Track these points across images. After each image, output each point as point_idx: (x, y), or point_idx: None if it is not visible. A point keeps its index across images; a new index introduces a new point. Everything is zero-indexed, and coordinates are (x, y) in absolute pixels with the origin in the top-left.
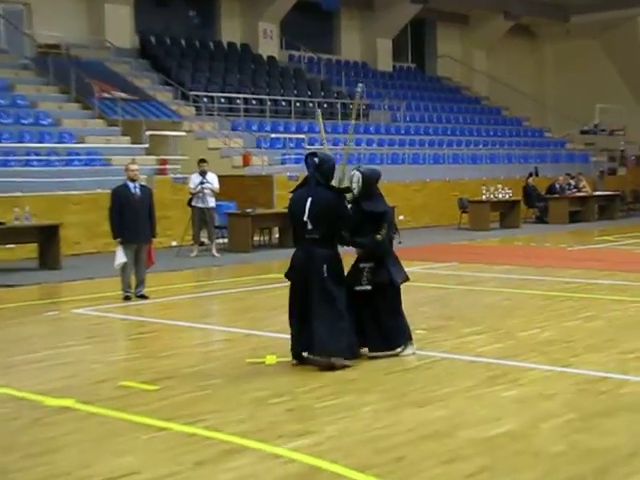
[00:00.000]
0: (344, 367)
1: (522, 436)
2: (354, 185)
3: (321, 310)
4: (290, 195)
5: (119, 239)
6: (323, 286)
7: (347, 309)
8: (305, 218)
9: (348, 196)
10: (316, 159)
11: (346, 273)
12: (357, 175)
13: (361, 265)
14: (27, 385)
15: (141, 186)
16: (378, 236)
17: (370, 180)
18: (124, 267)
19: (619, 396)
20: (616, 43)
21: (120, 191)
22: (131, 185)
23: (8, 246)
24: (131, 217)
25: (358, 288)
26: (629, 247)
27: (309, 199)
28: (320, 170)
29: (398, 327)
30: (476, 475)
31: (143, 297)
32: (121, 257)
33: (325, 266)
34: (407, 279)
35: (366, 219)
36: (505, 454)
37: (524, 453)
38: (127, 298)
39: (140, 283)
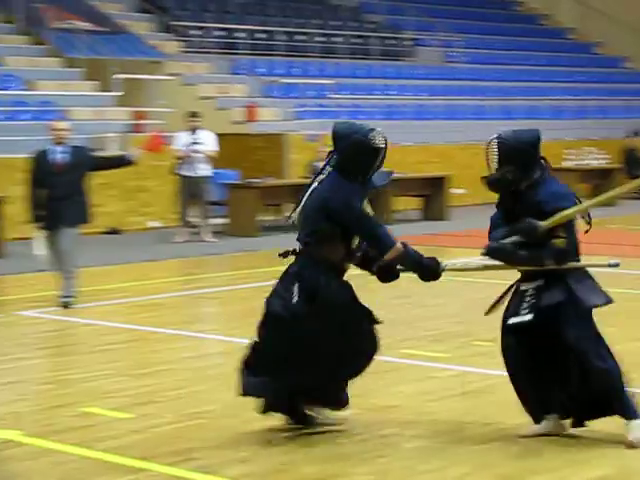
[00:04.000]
0: None
1: None
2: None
3: None
4: None
5: (36, 224)
6: None
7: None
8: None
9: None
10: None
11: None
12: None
13: (523, 287)
14: None
15: (74, 149)
16: (557, 241)
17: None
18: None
19: None
20: None
21: (40, 157)
22: (55, 149)
23: None
24: (49, 193)
25: (512, 321)
26: None
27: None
28: (338, 148)
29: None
30: None
31: (66, 306)
32: (39, 247)
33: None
34: (609, 301)
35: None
36: None
37: None
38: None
39: (66, 286)
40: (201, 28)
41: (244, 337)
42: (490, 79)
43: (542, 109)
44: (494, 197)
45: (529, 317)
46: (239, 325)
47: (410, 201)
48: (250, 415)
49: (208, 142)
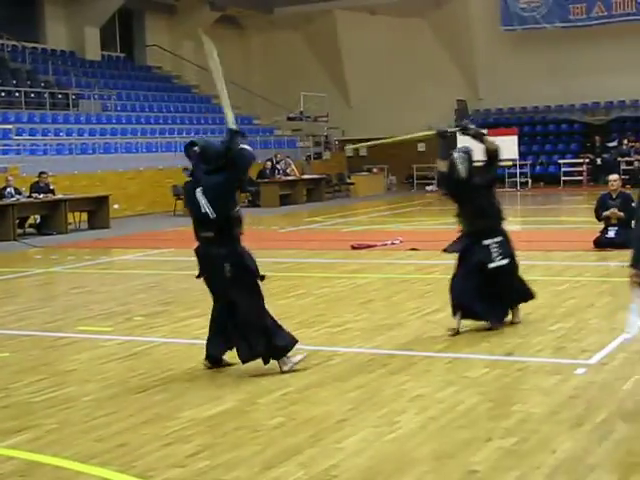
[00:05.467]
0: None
1: (242, 412)
2: (460, 166)
3: None
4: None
5: None
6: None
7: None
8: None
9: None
10: (196, 148)
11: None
12: (460, 156)
13: (485, 242)
14: None
15: None
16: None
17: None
18: None
19: (329, 367)
20: (316, 35)
21: None
22: None
23: None
24: None
25: (492, 265)
26: (336, 226)
27: (199, 189)
28: (205, 158)
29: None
30: (197, 454)
31: None
32: None
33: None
34: None
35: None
36: (226, 431)
37: (244, 428)
38: None
39: None
40: None
41: None
42: (137, 123)
43: (176, 144)
44: (142, 210)
45: (506, 261)
46: None
47: (80, 215)
48: None
49: None
